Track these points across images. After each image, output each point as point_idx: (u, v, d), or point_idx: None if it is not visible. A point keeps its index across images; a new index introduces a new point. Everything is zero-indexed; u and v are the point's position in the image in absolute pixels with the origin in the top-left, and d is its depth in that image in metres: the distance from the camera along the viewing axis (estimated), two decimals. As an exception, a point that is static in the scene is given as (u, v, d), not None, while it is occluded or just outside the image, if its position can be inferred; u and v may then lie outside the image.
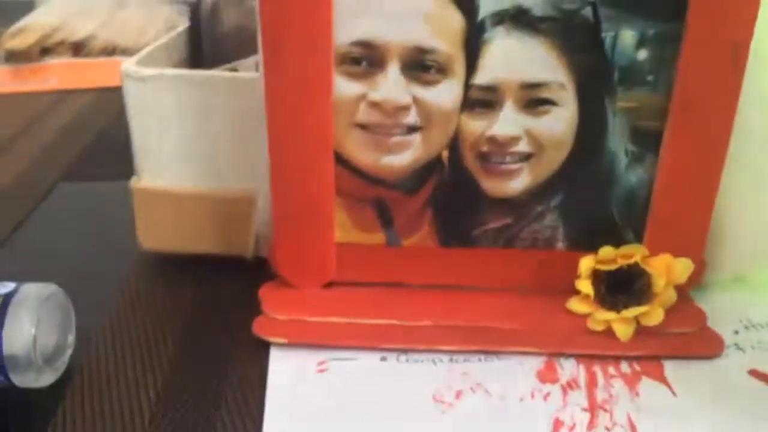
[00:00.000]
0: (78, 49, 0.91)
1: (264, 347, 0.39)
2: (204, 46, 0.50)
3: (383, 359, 0.39)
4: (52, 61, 0.89)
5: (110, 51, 0.90)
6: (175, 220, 0.44)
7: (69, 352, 0.38)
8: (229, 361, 0.39)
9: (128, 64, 0.41)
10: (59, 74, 0.86)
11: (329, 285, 0.43)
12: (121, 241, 0.48)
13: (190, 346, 0.40)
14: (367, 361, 0.39)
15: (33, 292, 0.35)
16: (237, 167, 0.42)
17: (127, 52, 0.88)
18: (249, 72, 0.45)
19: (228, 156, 0.42)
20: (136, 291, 0.45)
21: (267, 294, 0.42)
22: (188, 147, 0.42)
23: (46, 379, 0.36)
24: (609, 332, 0.39)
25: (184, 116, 0.41)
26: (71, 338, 0.38)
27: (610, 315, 0.39)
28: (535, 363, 0.39)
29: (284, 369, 0.38)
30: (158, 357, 0.39)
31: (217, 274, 0.45)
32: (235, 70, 0.48)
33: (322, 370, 0.38)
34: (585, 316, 0.40)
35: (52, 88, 0.83)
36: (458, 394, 0.36)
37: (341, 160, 0.40)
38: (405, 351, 0.39)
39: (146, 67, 0.42)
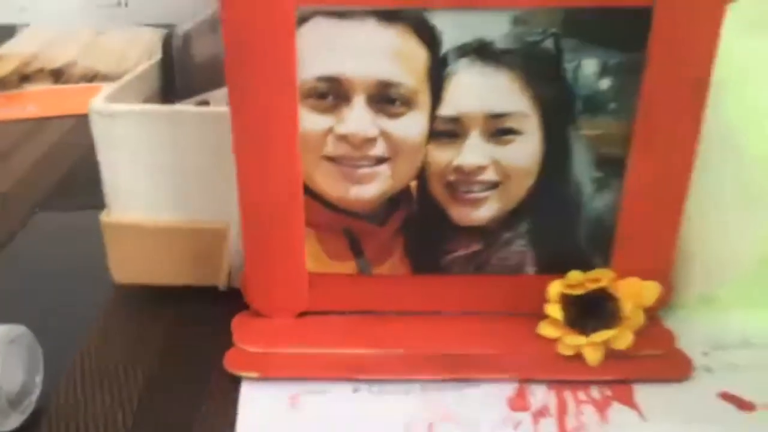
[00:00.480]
0: (58, 75, 0.91)
1: (236, 380, 0.39)
2: (176, 78, 0.50)
3: (355, 390, 0.39)
4: (31, 89, 0.89)
5: (90, 77, 0.90)
6: (146, 254, 0.44)
7: (36, 393, 0.38)
8: (201, 397, 0.39)
9: (96, 100, 0.42)
10: (38, 101, 0.86)
11: (302, 315, 0.43)
12: (95, 273, 0.48)
13: (162, 382, 0.40)
14: (339, 393, 0.39)
15: (-1, 333, 0.35)
16: (208, 199, 0.43)
17: (107, 78, 0.88)
18: (220, 103, 0.46)
19: (199, 188, 0.43)
20: (108, 325, 0.45)
21: (239, 325, 0.42)
22: (159, 181, 0.42)
23: (11, 422, 0.35)
24: (579, 357, 0.40)
25: (154, 150, 0.41)
26: (38, 379, 0.38)
27: (580, 339, 0.40)
28: (507, 390, 0.39)
29: (255, 405, 0.38)
30: (128, 393, 0.39)
31: (191, 306, 0.45)
32: (206, 101, 0.48)
33: (294, 403, 0.38)
34: (555, 341, 0.41)
35: (30, 116, 0.83)
36: (430, 427, 0.36)
37: (310, 193, 0.40)
38: (378, 381, 0.39)
39: (116, 102, 0.42)
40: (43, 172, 0.69)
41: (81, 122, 0.79)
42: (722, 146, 0.40)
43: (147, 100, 0.48)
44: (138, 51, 0.94)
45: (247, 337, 0.41)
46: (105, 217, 0.44)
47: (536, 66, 0.37)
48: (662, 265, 0.41)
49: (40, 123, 0.81)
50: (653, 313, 0.41)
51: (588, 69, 0.38)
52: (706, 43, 0.36)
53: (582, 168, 0.40)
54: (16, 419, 0.36)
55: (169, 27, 0.54)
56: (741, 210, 0.41)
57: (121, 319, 0.45)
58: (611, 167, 0.39)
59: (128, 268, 0.45)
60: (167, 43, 0.50)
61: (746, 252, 0.42)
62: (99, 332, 0.44)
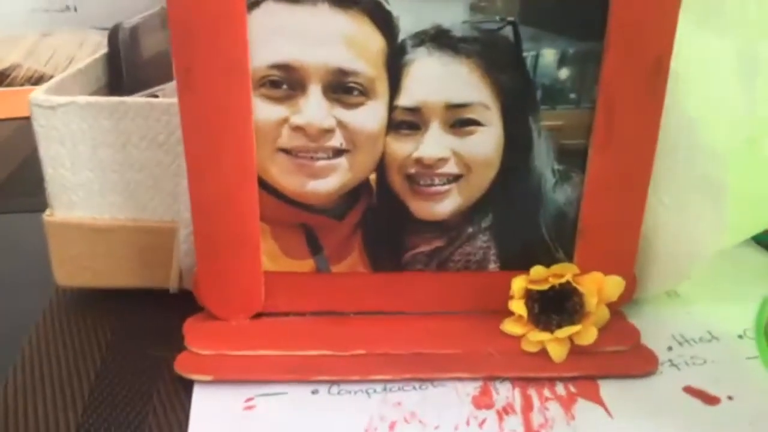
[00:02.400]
0: (1, 78, 0.88)
1: (188, 385, 0.37)
2: (124, 72, 0.48)
3: (314, 392, 0.37)
4: (-26, 91, 0.85)
5: (35, 80, 0.87)
6: (92, 255, 0.42)
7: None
8: (150, 403, 0.37)
9: (37, 92, 0.39)
10: (-20, 104, 0.82)
11: (257, 316, 0.41)
12: (38, 276, 0.45)
13: (108, 387, 0.38)
14: (297, 394, 0.37)
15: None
16: (156, 197, 0.41)
17: (53, 80, 0.85)
18: (170, 97, 0.44)
19: (146, 185, 0.41)
20: (51, 329, 0.42)
21: (191, 328, 0.40)
22: (103, 177, 0.40)
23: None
24: (543, 353, 0.39)
25: (98, 145, 0.39)
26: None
27: (544, 335, 0.39)
28: (471, 388, 0.38)
29: (208, 409, 0.36)
30: (72, 399, 0.37)
31: (140, 309, 0.43)
32: (155, 96, 0.46)
33: (249, 407, 0.36)
34: (519, 338, 0.40)
35: (-28, 119, 0.79)
36: (392, 425, 0.35)
37: (265, 186, 0.38)
38: (337, 382, 0.38)
39: (58, 95, 0.40)
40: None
41: (25, 125, 0.76)
42: (681, 138, 0.39)
43: (92, 95, 0.46)
44: (86, 53, 0.92)
45: (199, 340, 0.39)
46: (48, 216, 0.42)
47: (495, 55, 0.37)
48: (625, 258, 0.41)
49: (-17, 126, 0.78)
50: (617, 309, 0.41)
51: (547, 58, 0.37)
52: (664, 28, 0.35)
53: (544, 160, 0.39)
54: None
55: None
56: (700, 203, 0.41)
57: (65, 324, 0.43)
58: (573, 159, 0.39)
59: (72, 269, 0.42)
60: (113, 37, 0.48)
61: (707, 246, 0.42)
62: (41, 337, 0.42)
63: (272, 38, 0.35)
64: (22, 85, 0.87)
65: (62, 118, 0.39)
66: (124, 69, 0.47)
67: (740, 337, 0.42)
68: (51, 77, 0.87)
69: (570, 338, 0.39)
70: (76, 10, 1.18)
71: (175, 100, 0.36)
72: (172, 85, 0.46)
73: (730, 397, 0.37)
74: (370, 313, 0.41)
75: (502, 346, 0.39)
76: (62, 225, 0.42)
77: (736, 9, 0.37)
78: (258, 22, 0.35)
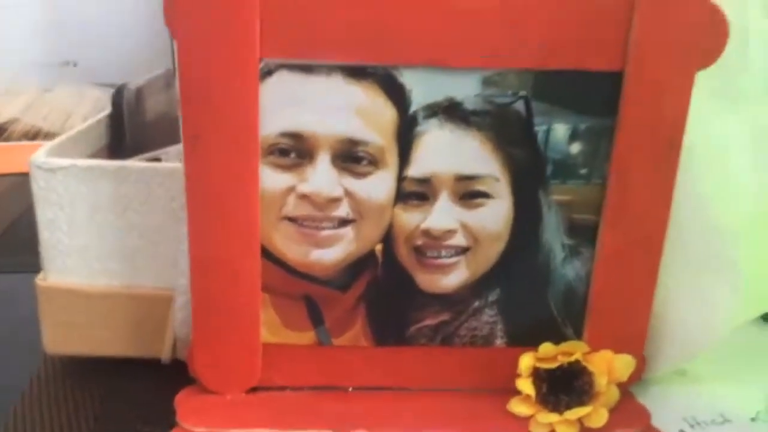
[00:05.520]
0: (-1, 132, 0.87)
1: (179, 464, 0.35)
2: (126, 134, 0.47)
3: (312, 474, 0.35)
4: (-30, 145, 0.85)
5: (33, 135, 0.87)
6: (84, 322, 0.40)
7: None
8: (138, 483, 0.35)
9: (38, 154, 0.38)
10: (-24, 158, 0.82)
11: (254, 390, 0.39)
12: (27, 342, 0.44)
13: (94, 465, 0.36)
14: (294, 477, 0.35)
15: None
16: (153, 263, 0.40)
17: (49, 136, 0.85)
18: (173, 161, 0.43)
19: (144, 251, 0.39)
20: (38, 399, 0.41)
21: (183, 401, 0.38)
22: (101, 242, 0.39)
23: None
24: (553, 436, 0.37)
25: (97, 209, 0.38)
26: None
27: (553, 417, 0.37)
28: (477, 472, 0.36)
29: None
30: (56, 479, 0.35)
31: (131, 379, 0.41)
32: (158, 159, 0.46)
33: (243, 490, 0.34)
34: (527, 419, 0.38)
35: (-32, 174, 0.78)
36: None
37: (268, 255, 0.37)
38: (336, 464, 0.36)
39: (58, 156, 0.39)
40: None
41: (21, 181, 0.75)
42: (693, 215, 0.39)
43: (93, 156, 0.45)
44: (85, 109, 0.92)
45: (191, 415, 0.37)
46: (40, 280, 0.41)
47: (506, 128, 0.36)
48: (636, 337, 0.39)
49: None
50: (625, 389, 0.40)
51: (559, 133, 0.37)
52: (677, 106, 0.35)
53: (553, 234, 0.38)
54: None
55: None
56: (711, 281, 0.40)
57: (53, 393, 0.41)
58: (583, 234, 0.38)
59: (63, 337, 0.41)
60: (118, 98, 0.48)
61: (718, 324, 0.41)
62: (27, 406, 0.40)
63: (284, 107, 0.35)
64: (19, 139, 0.86)
65: (62, 181, 0.38)
66: (127, 130, 0.47)
67: (753, 420, 0.40)
68: (49, 132, 0.87)
69: (579, 420, 0.37)
70: (76, 65, 1.18)
71: (178, 164, 0.36)
72: (175, 149, 0.45)
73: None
74: (371, 389, 0.40)
75: (509, 428, 0.38)
76: (55, 290, 0.40)
77: (748, 84, 0.37)
78: (270, 90, 0.34)
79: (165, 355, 0.41)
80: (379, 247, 0.38)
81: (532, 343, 0.38)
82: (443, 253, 0.38)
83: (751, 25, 0.37)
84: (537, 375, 0.38)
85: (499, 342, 0.40)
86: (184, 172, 0.35)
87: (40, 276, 0.41)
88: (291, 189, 0.36)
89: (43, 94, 0.98)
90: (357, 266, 0.38)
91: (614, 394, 0.38)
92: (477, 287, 0.39)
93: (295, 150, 0.36)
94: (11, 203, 0.71)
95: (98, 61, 1.15)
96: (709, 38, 0.35)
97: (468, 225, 0.38)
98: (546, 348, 0.38)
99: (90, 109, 0.93)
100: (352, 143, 0.36)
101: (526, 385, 0.38)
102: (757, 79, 0.37)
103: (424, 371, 0.40)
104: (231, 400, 0.39)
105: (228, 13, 0.33)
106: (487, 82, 0.36)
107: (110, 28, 1.17)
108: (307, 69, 0.34)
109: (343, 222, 0.37)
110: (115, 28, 1.17)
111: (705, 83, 0.35)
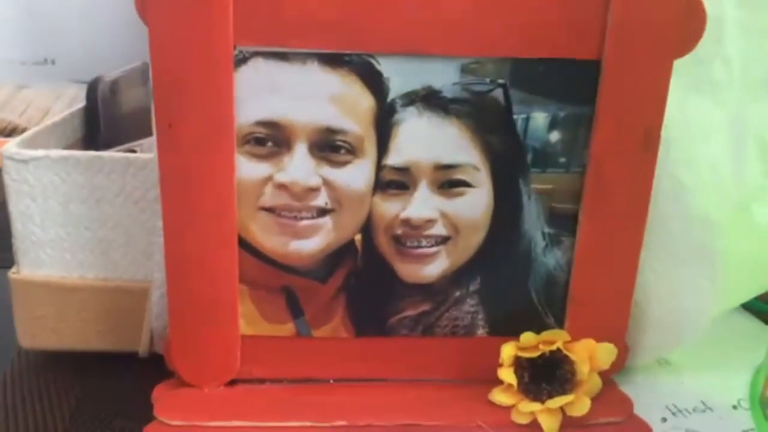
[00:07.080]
0: (-26, 129, 0.86)
1: (156, 459, 0.35)
2: (101, 126, 0.46)
3: (292, 467, 0.35)
4: (-57, 142, 0.83)
5: (9, 131, 0.85)
6: (59, 315, 0.39)
7: None
8: (114, 478, 0.34)
9: (10, 145, 0.38)
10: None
11: (232, 383, 0.39)
12: (1, 335, 0.43)
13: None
14: (273, 470, 0.35)
15: None
16: (129, 255, 0.39)
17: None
18: (148, 153, 0.42)
19: (119, 243, 0.39)
20: (11, 394, 0.40)
21: (161, 395, 0.38)
22: (75, 234, 0.38)
23: None
24: (535, 424, 0.37)
25: (71, 201, 0.38)
26: None
27: (535, 406, 0.37)
28: (458, 462, 0.36)
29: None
30: (30, 476, 0.34)
31: (107, 373, 0.41)
32: (132, 151, 0.45)
33: (221, 484, 0.34)
34: (509, 408, 0.38)
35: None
36: (375, 504, 0.33)
37: (246, 246, 0.37)
38: (317, 456, 0.36)
39: (31, 148, 0.38)
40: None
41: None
42: (673, 205, 0.39)
43: (67, 149, 0.44)
44: (63, 107, 0.90)
45: (169, 409, 0.37)
46: (13, 274, 0.40)
47: (485, 117, 0.36)
48: (617, 325, 0.39)
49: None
50: (608, 378, 0.39)
51: (538, 121, 0.36)
52: (655, 95, 0.35)
53: (534, 223, 0.38)
54: None
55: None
56: (693, 270, 0.40)
57: (26, 389, 0.40)
58: (563, 223, 0.38)
59: (37, 331, 0.40)
60: (93, 90, 0.47)
61: (699, 313, 0.41)
62: (1, 403, 0.39)
63: (259, 95, 0.34)
64: (-6, 136, 0.85)
65: (34, 172, 0.37)
66: (101, 123, 0.46)
67: (735, 407, 0.41)
68: (25, 129, 0.85)
69: (562, 409, 0.37)
70: (54, 63, 1.17)
71: (153, 155, 0.35)
72: (150, 141, 0.45)
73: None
74: (352, 381, 0.39)
75: (491, 417, 0.38)
76: (28, 283, 0.39)
77: (725, 74, 0.37)
78: (245, 78, 0.34)
79: (142, 348, 0.40)
80: (358, 237, 0.37)
81: (514, 333, 0.38)
82: (423, 242, 0.38)
83: (727, 14, 0.37)
84: (518, 364, 0.38)
85: (481, 332, 0.39)
86: (158, 163, 0.34)
87: (13, 269, 0.40)
88: (268, 179, 0.36)
89: (19, 91, 0.96)
90: (336, 257, 0.37)
91: (596, 382, 0.38)
92: (458, 277, 0.38)
93: (272, 139, 0.35)
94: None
95: (76, 59, 1.13)
96: (685, 27, 0.34)
97: (448, 214, 0.37)
98: (527, 337, 0.38)
99: (67, 106, 0.91)
100: (330, 132, 0.35)
101: (507, 375, 0.38)
102: (732, 69, 0.37)
103: (405, 362, 0.40)
104: (209, 393, 0.38)
105: (201, 0, 0.32)
106: (465, 70, 0.35)
107: (88, 26, 1.16)
108: (282, 57, 0.34)
109: (322, 212, 0.36)
110: (93, 27, 1.15)
111: (683, 71, 0.35)
